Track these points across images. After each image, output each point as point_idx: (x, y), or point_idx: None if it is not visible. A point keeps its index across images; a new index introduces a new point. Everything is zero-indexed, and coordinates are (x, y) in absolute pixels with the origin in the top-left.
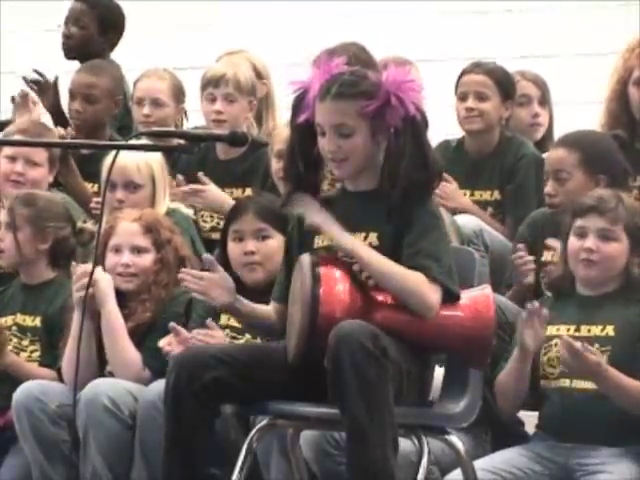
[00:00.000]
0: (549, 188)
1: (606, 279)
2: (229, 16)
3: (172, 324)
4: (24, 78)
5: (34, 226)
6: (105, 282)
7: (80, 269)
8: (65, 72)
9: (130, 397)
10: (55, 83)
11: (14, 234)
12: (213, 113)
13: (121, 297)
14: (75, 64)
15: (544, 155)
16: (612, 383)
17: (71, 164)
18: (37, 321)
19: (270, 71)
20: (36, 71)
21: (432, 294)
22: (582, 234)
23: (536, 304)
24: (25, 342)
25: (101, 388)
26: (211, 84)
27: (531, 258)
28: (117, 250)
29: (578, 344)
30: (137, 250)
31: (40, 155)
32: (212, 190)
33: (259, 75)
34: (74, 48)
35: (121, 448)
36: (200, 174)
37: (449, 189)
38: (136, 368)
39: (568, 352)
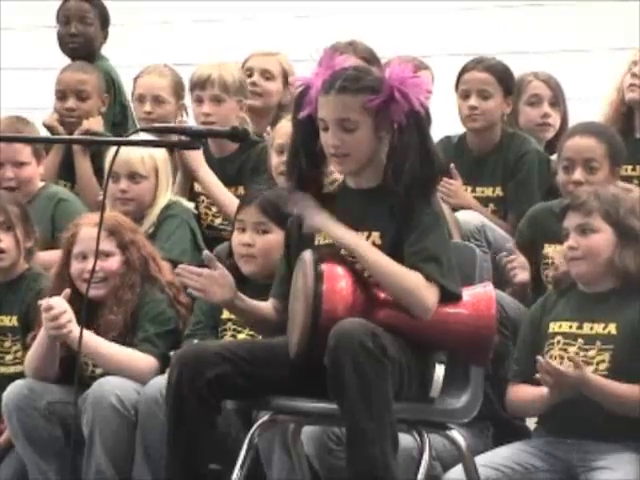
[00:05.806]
0: (578, 175)
1: (599, 274)
2: (229, 12)
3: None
4: None
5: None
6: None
7: (46, 303)
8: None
9: (135, 394)
10: None
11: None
12: (202, 115)
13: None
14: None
15: (568, 143)
16: (596, 390)
17: (87, 157)
18: (14, 320)
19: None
20: None
21: (429, 295)
22: (567, 234)
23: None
24: (7, 343)
25: (108, 387)
26: (198, 86)
27: (517, 257)
28: (83, 257)
29: (555, 363)
30: (103, 254)
31: (24, 153)
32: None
33: (287, 79)
34: (83, 46)
35: (126, 447)
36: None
37: (454, 186)
38: (149, 370)
39: (547, 373)
